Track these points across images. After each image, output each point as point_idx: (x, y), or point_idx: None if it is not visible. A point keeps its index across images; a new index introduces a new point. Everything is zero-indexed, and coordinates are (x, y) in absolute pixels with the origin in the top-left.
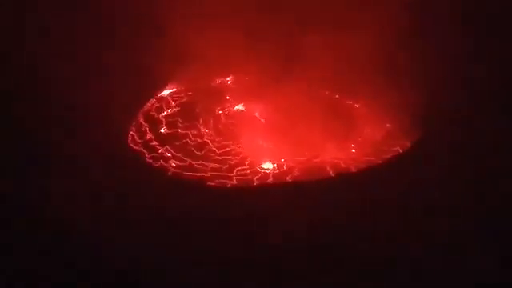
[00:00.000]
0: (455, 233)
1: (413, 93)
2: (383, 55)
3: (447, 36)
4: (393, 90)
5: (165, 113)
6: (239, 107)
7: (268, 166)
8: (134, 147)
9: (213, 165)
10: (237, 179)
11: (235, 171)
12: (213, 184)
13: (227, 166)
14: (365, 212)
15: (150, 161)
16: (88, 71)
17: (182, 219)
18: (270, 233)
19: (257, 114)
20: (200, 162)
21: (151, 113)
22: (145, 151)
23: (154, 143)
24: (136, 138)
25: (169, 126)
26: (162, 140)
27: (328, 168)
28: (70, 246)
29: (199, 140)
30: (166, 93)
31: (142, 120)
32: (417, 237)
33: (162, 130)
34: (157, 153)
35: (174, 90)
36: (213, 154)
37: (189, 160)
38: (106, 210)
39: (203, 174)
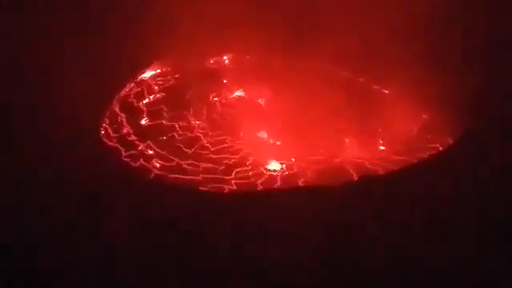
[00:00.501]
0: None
1: (456, 78)
2: (421, 32)
3: (496, 23)
4: (431, 73)
5: (146, 100)
6: (239, 93)
7: (275, 166)
8: (108, 143)
9: (206, 165)
10: (236, 183)
11: (234, 173)
12: (206, 189)
13: (224, 166)
14: (396, 226)
15: (128, 160)
16: (49, 52)
17: (167, 232)
18: (277, 251)
19: (261, 102)
20: (190, 162)
21: (129, 100)
22: (121, 148)
23: (133, 138)
24: (110, 131)
25: (151, 116)
26: (143, 134)
27: (350, 169)
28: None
29: (189, 134)
30: (147, 75)
31: (117, 109)
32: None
33: (143, 122)
34: (136, 150)
35: (158, 71)
36: (206, 152)
37: (176, 159)
38: (75, 223)
39: (194, 177)
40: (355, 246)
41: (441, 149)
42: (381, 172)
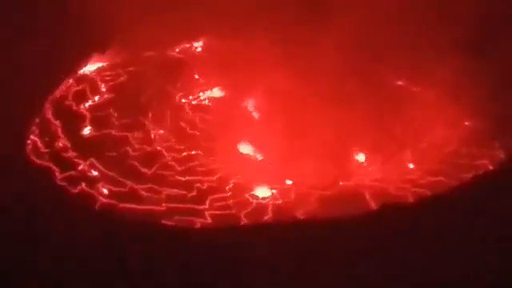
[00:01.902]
0: None
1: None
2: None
3: None
4: (477, 68)
5: (89, 102)
6: (215, 92)
7: (264, 192)
8: (36, 161)
9: (170, 191)
10: (211, 215)
11: (208, 201)
12: (171, 224)
13: (195, 192)
14: (429, 272)
15: (64, 184)
16: None
17: (117, 283)
18: None
19: (246, 104)
20: (149, 186)
21: (66, 102)
22: (55, 168)
23: (71, 154)
24: (40, 144)
25: (96, 124)
26: (85, 149)
27: (367, 196)
28: None
29: (147, 148)
30: (90, 68)
31: (50, 115)
32: None
33: (85, 132)
34: (75, 170)
35: (105, 63)
36: (170, 173)
37: (129, 183)
38: None
39: (154, 207)
40: None
41: (490, 167)
42: (409, 199)
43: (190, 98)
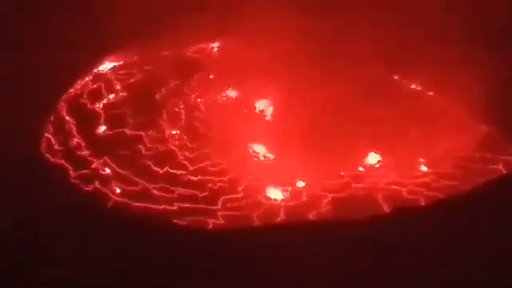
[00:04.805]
0: None
1: None
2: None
3: None
4: (493, 72)
5: (104, 101)
6: (230, 93)
7: (277, 193)
8: (50, 159)
9: (183, 190)
10: (224, 216)
11: (221, 202)
12: (183, 223)
13: (207, 192)
14: (441, 276)
15: (77, 182)
16: None
17: (130, 281)
18: None
19: (259, 105)
20: (161, 186)
21: (81, 101)
22: (68, 166)
23: (85, 152)
24: (54, 142)
25: (110, 122)
26: (99, 147)
27: (379, 199)
28: None
29: (161, 147)
30: (106, 67)
31: (64, 112)
32: None
33: (100, 131)
34: (89, 169)
35: (121, 62)
36: (184, 172)
37: (142, 182)
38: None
39: (166, 207)
40: None
41: (504, 171)
42: (422, 203)
43: (205, 97)
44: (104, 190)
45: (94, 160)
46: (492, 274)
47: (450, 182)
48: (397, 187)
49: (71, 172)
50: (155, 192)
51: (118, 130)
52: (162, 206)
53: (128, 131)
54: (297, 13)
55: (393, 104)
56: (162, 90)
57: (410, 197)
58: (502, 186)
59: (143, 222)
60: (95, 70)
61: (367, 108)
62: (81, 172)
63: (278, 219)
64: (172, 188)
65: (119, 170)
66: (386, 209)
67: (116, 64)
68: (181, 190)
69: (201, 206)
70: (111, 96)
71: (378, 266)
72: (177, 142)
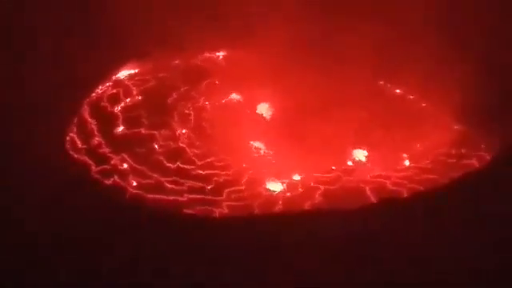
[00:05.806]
0: None
1: (496, 84)
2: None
3: None
4: (466, 76)
5: (122, 104)
6: (234, 96)
7: (275, 186)
8: (74, 155)
9: (192, 183)
10: (228, 206)
11: (226, 193)
12: (192, 212)
13: (213, 184)
14: (423, 262)
15: (98, 177)
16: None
17: (144, 263)
18: None
19: (260, 108)
20: (173, 179)
21: (102, 104)
22: (91, 162)
23: (105, 150)
24: (77, 141)
25: (128, 123)
26: (117, 145)
27: (367, 190)
28: None
29: (172, 145)
30: (124, 74)
31: (87, 114)
32: None
33: (118, 130)
34: (109, 164)
35: (137, 70)
36: (192, 167)
37: (156, 175)
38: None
39: (177, 198)
40: (372, 286)
41: (477, 166)
42: (405, 194)
43: (211, 101)
44: (122, 183)
45: (113, 157)
46: (467, 258)
47: (429, 175)
48: (382, 180)
49: (93, 167)
50: (167, 185)
51: (134, 130)
52: (174, 197)
53: (143, 131)
54: (295, 24)
55: (379, 106)
56: (174, 94)
57: (394, 188)
58: (475, 178)
59: (157, 211)
60: (114, 77)
61: (356, 110)
62: (101, 167)
63: (277, 208)
64: (182, 181)
65: (135, 166)
66: (373, 199)
67: (132, 72)
68: (190, 183)
69: (208, 197)
70: (128, 100)
71: (364, 249)
72: (186, 140)
